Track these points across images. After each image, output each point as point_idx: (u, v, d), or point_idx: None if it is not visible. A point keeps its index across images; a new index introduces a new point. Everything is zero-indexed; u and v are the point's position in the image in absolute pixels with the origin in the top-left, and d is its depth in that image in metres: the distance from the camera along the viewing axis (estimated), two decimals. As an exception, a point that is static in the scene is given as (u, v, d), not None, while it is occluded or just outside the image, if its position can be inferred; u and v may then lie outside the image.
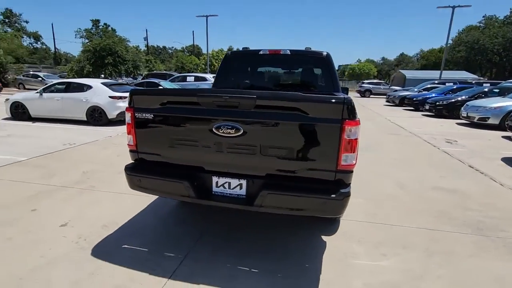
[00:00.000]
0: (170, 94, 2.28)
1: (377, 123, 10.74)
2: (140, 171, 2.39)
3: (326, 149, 2.03)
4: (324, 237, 2.82)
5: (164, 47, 76.54)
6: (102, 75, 18.93)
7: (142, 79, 18.31)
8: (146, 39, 51.37)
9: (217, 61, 42.52)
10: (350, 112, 1.97)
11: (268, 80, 3.97)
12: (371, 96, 27.21)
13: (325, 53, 3.76)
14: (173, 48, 74.65)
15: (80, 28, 53.33)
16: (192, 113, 2.20)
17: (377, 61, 64.24)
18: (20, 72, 24.34)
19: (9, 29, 48.74)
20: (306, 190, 2.08)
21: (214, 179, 2.30)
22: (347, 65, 52.16)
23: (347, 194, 2.05)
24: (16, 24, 52.28)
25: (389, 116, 12.81)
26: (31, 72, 24.48)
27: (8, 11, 51.20)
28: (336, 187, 2.07)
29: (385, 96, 21.58)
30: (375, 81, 32.14)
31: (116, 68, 18.54)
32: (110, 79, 16.38)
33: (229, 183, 2.28)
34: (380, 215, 3.28)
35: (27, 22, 53.26)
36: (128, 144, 2.46)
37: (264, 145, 2.12)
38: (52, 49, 51.16)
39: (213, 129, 2.14)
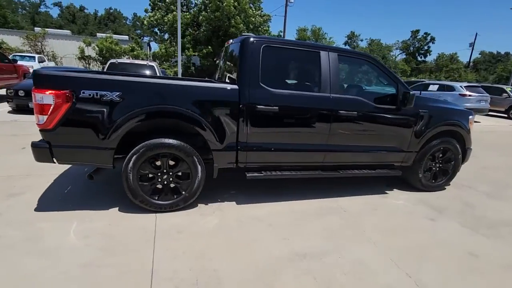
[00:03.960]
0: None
1: None
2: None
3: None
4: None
5: (507, 53, 61.25)
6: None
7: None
8: (472, 44, 43.56)
9: None
10: (38, 82, 2.53)
11: (224, 68, 3.92)
12: None
13: (243, 39, 3.10)
14: (521, 54, 57.57)
15: (398, 40, 56.52)
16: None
17: None
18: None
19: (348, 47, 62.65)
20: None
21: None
22: None
23: (33, 145, 2.63)
24: (354, 43, 65.65)
25: None
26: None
27: (351, 33, 65.41)
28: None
29: None
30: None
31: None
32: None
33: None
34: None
35: (361, 40, 65.03)
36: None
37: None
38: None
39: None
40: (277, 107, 3.06)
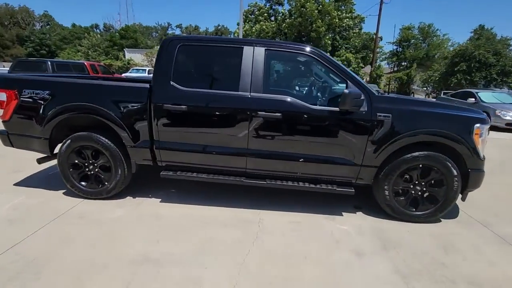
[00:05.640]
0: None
1: None
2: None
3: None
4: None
5: None
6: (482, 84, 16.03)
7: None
8: None
9: None
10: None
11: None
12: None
13: (162, 40, 3.14)
14: None
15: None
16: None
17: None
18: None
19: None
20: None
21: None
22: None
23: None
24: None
25: None
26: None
27: (480, 27, 54.24)
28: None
29: None
30: None
31: (469, 75, 14.67)
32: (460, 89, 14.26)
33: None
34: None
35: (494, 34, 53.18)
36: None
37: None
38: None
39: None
40: (185, 106, 2.96)
